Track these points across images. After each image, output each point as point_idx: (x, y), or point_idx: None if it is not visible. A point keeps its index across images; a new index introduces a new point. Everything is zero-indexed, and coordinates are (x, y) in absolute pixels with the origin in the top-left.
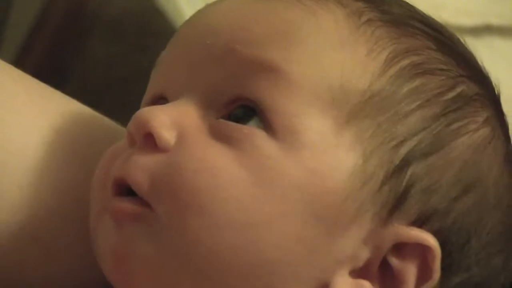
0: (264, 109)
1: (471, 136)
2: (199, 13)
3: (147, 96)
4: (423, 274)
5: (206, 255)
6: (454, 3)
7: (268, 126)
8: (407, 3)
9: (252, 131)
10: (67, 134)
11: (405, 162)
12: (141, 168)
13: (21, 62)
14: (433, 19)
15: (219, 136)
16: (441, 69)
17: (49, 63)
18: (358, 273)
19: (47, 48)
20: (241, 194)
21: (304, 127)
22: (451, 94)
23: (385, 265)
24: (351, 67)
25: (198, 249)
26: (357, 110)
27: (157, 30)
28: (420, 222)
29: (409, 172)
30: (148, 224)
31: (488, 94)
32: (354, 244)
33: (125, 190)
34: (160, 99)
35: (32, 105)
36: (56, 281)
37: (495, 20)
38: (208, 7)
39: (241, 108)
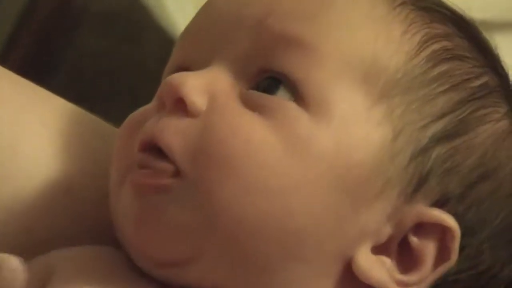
0: (295, 81)
1: (494, 125)
2: None
3: (169, 67)
4: (441, 254)
5: (235, 219)
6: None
7: (298, 98)
8: None
9: (284, 102)
10: (62, 132)
11: (432, 143)
12: (174, 130)
13: (8, 55)
14: (458, 10)
15: (250, 105)
16: (469, 57)
17: (36, 57)
18: (379, 249)
19: (34, 42)
20: (273, 160)
21: (335, 99)
22: (477, 82)
23: (403, 244)
24: (384, 44)
25: (227, 212)
26: (389, 87)
27: (142, 24)
28: (439, 203)
29: (434, 153)
30: (177, 192)
31: (508, 87)
32: (378, 219)
33: (153, 152)
34: (185, 70)
35: (28, 107)
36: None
37: (478, 15)
38: None
39: (269, 79)
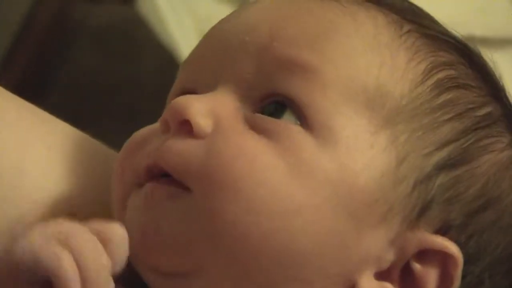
0: (300, 105)
1: (497, 155)
2: (236, 11)
3: (174, 91)
4: (443, 282)
5: (238, 238)
6: (437, 14)
7: (304, 122)
8: (437, 20)
9: (289, 125)
10: (66, 157)
11: (435, 171)
12: (177, 152)
13: (4, 71)
14: (461, 38)
15: (255, 128)
16: (473, 86)
17: (33, 73)
18: (382, 275)
19: (31, 58)
20: (277, 182)
21: (339, 124)
22: (481, 112)
23: (406, 270)
24: (389, 71)
25: (230, 232)
26: (393, 114)
27: (140, 40)
28: (442, 231)
29: (438, 181)
30: (183, 203)
31: (511, 118)
32: (381, 244)
33: (158, 176)
34: (190, 94)
35: (32, 131)
36: None
37: (478, 31)
38: (247, 6)
39: (274, 104)
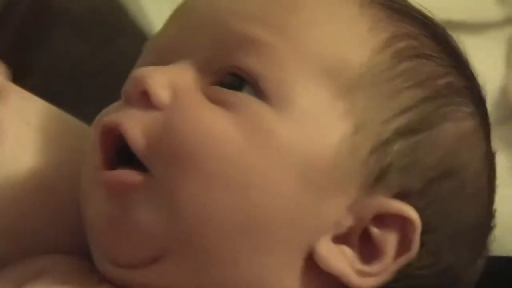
0: (256, 78)
1: (457, 124)
2: None
3: (138, 66)
4: (402, 246)
5: (198, 215)
6: None
7: (261, 94)
8: None
9: (246, 97)
10: (43, 132)
11: (393, 137)
12: (135, 119)
13: None
14: (427, 14)
15: (213, 99)
16: (435, 57)
17: (14, 57)
18: (340, 240)
19: (10, 44)
20: (236, 154)
21: (296, 94)
22: (442, 81)
23: (365, 235)
24: (349, 40)
25: (190, 208)
26: (352, 82)
27: (120, 26)
28: (400, 197)
29: (395, 147)
30: (146, 189)
31: (475, 90)
32: (339, 210)
33: (114, 143)
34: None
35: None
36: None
37: (457, 16)
38: None
39: (232, 77)
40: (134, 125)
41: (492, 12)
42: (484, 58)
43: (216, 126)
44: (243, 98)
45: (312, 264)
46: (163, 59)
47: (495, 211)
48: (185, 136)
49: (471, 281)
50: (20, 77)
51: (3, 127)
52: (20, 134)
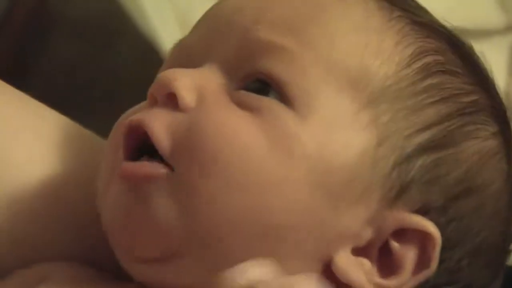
0: (281, 84)
1: (481, 142)
2: None
3: (164, 69)
4: (421, 261)
5: (217, 213)
6: None
7: (285, 99)
8: (428, 11)
9: (271, 101)
10: (54, 144)
11: (417, 152)
12: (160, 119)
13: None
14: (452, 29)
15: (239, 103)
16: (461, 73)
17: (12, 63)
18: (359, 252)
19: (10, 48)
20: (257, 156)
21: (320, 103)
22: (468, 98)
23: (385, 249)
24: (375, 53)
25: (209, 206)
26: (377, 94)
27: (120, 30)
28: (421, 213)
29: (418, 162)
30: (166, 183)
31: (499, 110)
32: (358, 222)
33: (137, 141)
34: None
35: (26, 124)
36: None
37: (460, 23)
38: None
39: (257, 82)
40: (159, 124)
41: (495, 19)
42: (487, 64)
43: (240, 129)
44: (268, 102)
45: (328, 274)
46: (190, 63)
47: None
48: (209, 138)
49: None
50: (19, 81)
51: (14, 137)
52: (31, 144)
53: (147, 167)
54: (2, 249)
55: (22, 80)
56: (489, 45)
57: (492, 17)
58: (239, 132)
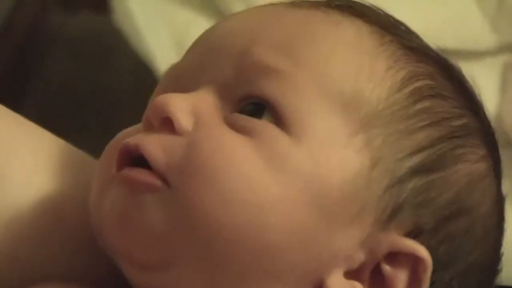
0: (275, 105)
1: (471, 165)
2: (221, 21)
3: (158, 93)
4: (412, 284)
5: (213, 230)
6: (410, 26)
7: (279, 121)
8: (419, 35)
9: (265, 123)
10: (51, 164)
11: (408, 175)
12: (159, 144)
13: None
14: (442, 53)
15: (234, 126)
16: (451, 98)
17: (9, 81)
18: (352, 275)
19: (6, 67)
20: (252, 175)
21: (314, 124)
22: (458, 122)
23: (376, 272)
24: (367, 77)
25: (206, 223)
26: (369, 118)
27: (114, 48)
28: (413, 235)
29: (410, 185)
30: (163, 195)
31: (488, 133)
32: (352, 244)
33: (134, 161)
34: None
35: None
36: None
37: (451, 44)
38: (231, 15)
39: (252, 105)
40: (155, 145)
41: (486, 40)
42: (479, 85)
43: (236, 149)
44: (262, 124)
45: None
46: (183, 87)
47: (502, 254)
48: (206, 158)
49: None
50: (15, 102)
51: (11, 157)
52: (28, 165)
53: (147, 175)
54: (2, 267)
55: (18, 98)
56: (480, 65)
57: (483, 37)
58: (236, 151)
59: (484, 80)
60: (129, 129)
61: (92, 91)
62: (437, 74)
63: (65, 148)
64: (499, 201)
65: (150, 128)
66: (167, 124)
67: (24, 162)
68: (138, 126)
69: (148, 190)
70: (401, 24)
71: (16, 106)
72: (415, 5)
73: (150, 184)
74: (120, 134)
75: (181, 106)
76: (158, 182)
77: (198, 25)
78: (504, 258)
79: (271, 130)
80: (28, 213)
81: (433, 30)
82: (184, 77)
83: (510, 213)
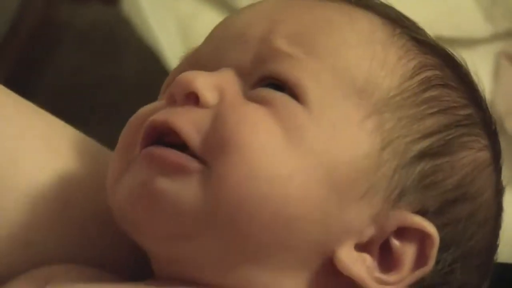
0: (293, 85)
1: (475, 153)
2: (241, 9)
3: (169, 79)
4: (420, 259)
5: (237, 202)
6: (407, 16)
7: (297, 98)
8: (424, 29)
9: (285, 96)
10: (62, 151)
11: (417, 158)
12: (187, 117)
13: None
14: (448, 49)
15: (255, 99)
16: (456, 88)
17: (20, 71)
18: (362, 247)
19: (19, 57)
20: (275, 146)
21: (329, 104)
22: (464, 111)
23: (385, 246)
24: (380, 65)
25: (231, 195)
26: (381, 104)
27: (123, 39)
28: (419, 214)
29: (418, 168)
30: (198, 175)
31: (490, 124)
32: (362, 219)
33: (158, 139)
34: None
35: (35, 130)
36: None
37: (446, 32)
38: (249, 5)
39: (270, 85)
40: (186, 121)
41: (481, 28)
42: (473, 72)
43: (259, 119)
44: (281, 96)
45: (327, 267)
46: (203, 69)
47: (499, 242)
48: (233, 129)
49: None
50: (27, 91)
51: (23, 143)
52: (39, 151)
53: (182, 157)
54: (15, 253)
55: (30, 87)
56: (474, 54)
57: (477, 26)
58: (259, 123)
59: (477, 67)
60: (149, 106)
61: (100, 80)
62: (444, 66)
63: (75, 135)
64: (499, 191)
65: (173, 104)
66: (191, 99)
67: (35, 147)
68: (156, 103)
69: (184, 172)
70: (408, 18)
71: (28, 94)
72: None
73: (186, 168)
74: (140, 111)
75: (205, 82)
76: (194, 165)
77: (204, 15)
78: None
79: (291, 102)
80: (39, 198)
81: (428, 19)
82: (204, 61)
83: (509, 198)
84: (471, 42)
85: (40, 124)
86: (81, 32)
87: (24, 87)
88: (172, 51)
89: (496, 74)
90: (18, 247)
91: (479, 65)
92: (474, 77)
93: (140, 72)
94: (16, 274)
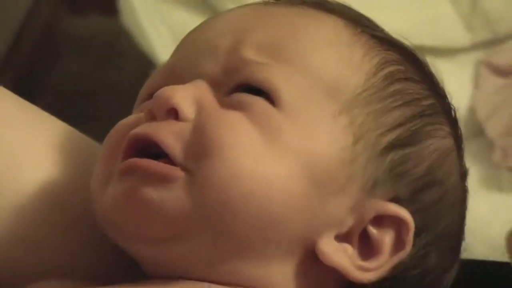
0: (267, 90)
1: (440, 141)
2: (206, 21)
3: (144, 92)
4: (397, 244)
5: (221, 202)
6: (390, 26)
7: (272, 101)
8: (382, 27)
9: (260, 99)
10: (61, 152)
11: (387, 149)
12: (168, 130)
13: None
14: (402, 41)
15: (231, 105)
16: (418, 80)
17: (25, 79)
18: (342, 238)
19: (23, 65)
20: (254, 147)
21: (304, 105)
22: (426, 102)
23: (364, 234)
24: (346, 64)
25: (216, 196)
26: (350, 101)
27: (121, 49)
28: (394, 202)
29: (389, 158)
30: (182, 182)
31: (450, 112)
32: (342, 210)
33: (142, 151)
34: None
35: (28, 126)
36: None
37: (428, 41)
38: (216, 15)
39: (246, 91)
40: (166, 133)
41: (461, 38)
42: (454, 80)
43: (237, 122)
44: (257, 100)
45: (309, 258)
46: (177, 81)
47: (465, 223)
48: (212, 134)
49: (447, 285)
50: (29, 97)
51: (23, 144)
52: (39, 151)
53: (164, 167)
54: (14, 251)
55: (33, 94)
56: (455, 62)
57: (458, 36)
58: (237, 126)
59: (458, 75)
60: (128, 119)
61: (98, 86)
62: (405, 60)
63: (75, 136)
64: (463, 174)
65: (153, 119)
66: (172, 114)
67: (36, 148)
68: (134, 116)
69: (166, 179)
70: (367, 17)
71: (31, 98)
72: (394, 6)
73: (170, 174)
74: (119, 125)
75: (183, 97)
76: (178, 173)
77: (193, 22)
78: (476, 234)
79: (265, 106)
80: (36, 199)
81: (411, 29)
82: (177, 73)
83: (483, 196)
84: (452, 51)
85: (41, 126)
86: (82, 42)
87: (28, 93)
88: (166, 58)
89: (476, 81)
90: (16, 246)
91: (460, 73)
92: (433, 70)
93: (134, 78)
94: (13, 269)
